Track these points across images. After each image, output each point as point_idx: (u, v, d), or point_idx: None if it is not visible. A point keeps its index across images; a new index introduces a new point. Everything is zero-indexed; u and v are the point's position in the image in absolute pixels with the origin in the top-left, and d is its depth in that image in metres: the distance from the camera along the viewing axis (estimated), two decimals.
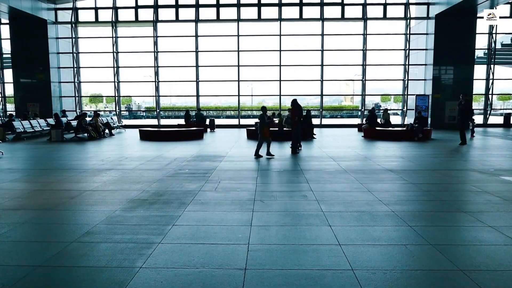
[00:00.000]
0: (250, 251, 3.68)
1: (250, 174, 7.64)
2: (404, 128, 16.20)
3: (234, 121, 24.24)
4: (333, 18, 21.69)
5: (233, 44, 21.96)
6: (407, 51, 21.74)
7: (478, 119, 18.99)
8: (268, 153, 10.06)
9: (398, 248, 3.76)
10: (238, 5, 21.60)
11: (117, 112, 23.09)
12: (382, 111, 20.49)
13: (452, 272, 3.23)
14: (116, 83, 22.57)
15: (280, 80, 22.17)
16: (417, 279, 3.13)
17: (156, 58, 22.30)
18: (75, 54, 22.51)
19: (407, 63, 21.87)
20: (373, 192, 6.02)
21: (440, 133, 16.94)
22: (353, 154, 10.60)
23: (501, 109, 31.89)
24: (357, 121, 24.53)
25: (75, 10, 22.08)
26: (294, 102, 11.52)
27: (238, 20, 21.72)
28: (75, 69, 22.61)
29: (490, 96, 21.72)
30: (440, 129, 18.85)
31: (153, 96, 23.14)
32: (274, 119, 16.90)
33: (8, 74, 22.52)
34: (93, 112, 21.31)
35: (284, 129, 15.42)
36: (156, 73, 22.40)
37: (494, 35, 21.10)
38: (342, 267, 3.32)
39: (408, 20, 21.57)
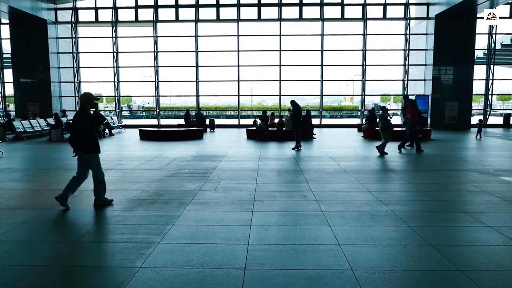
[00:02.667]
0: (250, 251, 3.68)
1: (250, 174, 7.64)
2: (404, 129, 16.18)
3: (234, 121, 24.24)
4: (333, 18, 21.69)
5: (233, 44, 21.97)
6: (407, 51, 21.75)
7: (477, 119, 18.95)
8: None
9: (397, 248, 3.76)
10: (238, 5, 21.60)
11: (117, 112, 23.09)
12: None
13: (451, 273, 3.23)
14: (116, 83, 22.57)
15: (280, 80, 22.18)
16: (416, 279, 3.13)
17: (156, 58, 22.30)
18: (75, 54, 22.51)
19: (407, 63, 21.87)
20: (373, 192, 6.02)
21: (440, 133, 16.94)
22: (352, 154, 10.60)
23: (500, 109, 31.91)
24: (356, 121, 24.54)
25: (75, 10, 22.07)
26: (293, 102, 11.76)
27: (238, 20, 21.72)
28: (75, 69, 22.61)
29: (489, 96, 21.72)
30: (439, 130, 18.85)
31: (153, 96, 23.15)
32: (275, 119, 16.91)
33: (8, 74, 22.52)
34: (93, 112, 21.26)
35: (284, 129, 15.44)
36: (156, 73, 22.39)
37: (494, 36, 21.11)
38: (342, 267, 3.32)
39: (408, 20, 21.57)
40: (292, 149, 11.80)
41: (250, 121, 20.54)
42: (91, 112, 5.42)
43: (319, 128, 20.45)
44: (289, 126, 15.64)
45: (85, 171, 5.23)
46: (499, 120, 22.74)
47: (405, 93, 22.09)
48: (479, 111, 23.66)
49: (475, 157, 10.31)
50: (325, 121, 23.22)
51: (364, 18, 21.59)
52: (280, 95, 22.57)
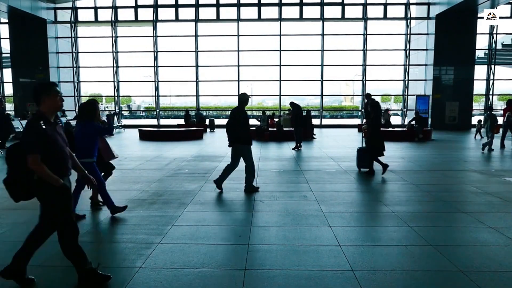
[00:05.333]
0: (250, 252, 3.67)
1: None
2: (404, 129, 16.19)
3: None
4: (333, 18, 21.69)
5: (233, 44, 21.96)
6: (408, 51, 21.74)
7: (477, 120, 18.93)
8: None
9: (398, 248, 3.75)
10: (238, 5, 21.58)
11: (117, 112, 23.07)
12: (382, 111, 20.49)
13: (452, 273, 3.22)
14: (115, 83, 22.56)
15: (280, 80, 22.16)
16: (417, 279, 3.12)
17: (155, 58, 22.28)
18: (74, 54, 22.49)
19: (407, 63, 21.86)
20: (373, 193, 6.01)
21: (440, 134, 16.93)
22: (353, 155, 10.56)
23: (501, 109, 31.88)
24: (357, 121, 24.52)
25: (74, 9, 22.05)
26: (292, 104, 11.89)
27: (238, 20, 21.71)
28: (75, 68, 22.59)
29: (490, 96, 21.70)
30: (440, 130, 18.83)
31: (152, 96, 23.13)
32: (274, 119, 16.92)
33: (7, 74, 22.50)
34: None
35: (284, 129, 15.45)
36: (156, 73, 22.38)
37: (494, 36, 21.09)
38: (342, 267, 3.31)
39: (409, 20, 21.56)
40: (292, 149, 11.79)
41: (250, 121, 20.51)
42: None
43: (319, 128, 20.44)
44: (287, 124, 15.65)
45: (237, 160, 6.03)
46: (500, 120, 22.68)
47: (406, 93, 22.08)
48: (480, 111, 23.64)
49: (475, 158, 10.30)
50: (325, 121, 23.21)
51: (365, 18, 21.58)
52: (280, 95, 22.56)
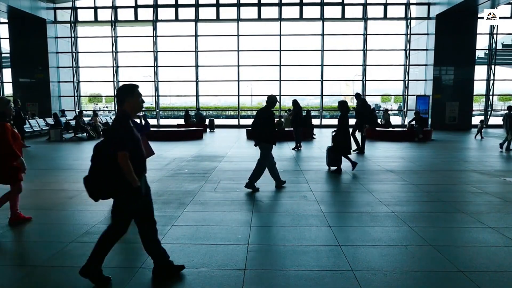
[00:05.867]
0: (250, 252, 3.66)
1: (249, 174, 7.61)
2: (404, 129, 16.19)
3: (234, 121, 24.22)
4: (333, 18, 21.68)
5: (233, 44, 21.94)
6: (408, 51, 21.73)
7: (478, 120, 18.94)
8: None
9: (398, 249, 3.75)
10: (238, 5, 21.58)
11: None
12: (382, 111, 20.50)
13: (452, 273, 3.21)
14: (115, 83, 22.55)
15: (280, 80, 22.16)
16: (417, 280, 3.12)
17: (155, 58, 22.28)
18: (74, 54, 22.47)
19: (407, 63, 21.86)
20: (373, 193, 6.00)
21: (441, 134, 16.92)
22: (353, 155, 10.56)
23: (501, 109, 31.85)
24: None
25: (74, 9, 22.04)
26: (295, 102, 11.81)
27: (238, 20, 21.70)
28: (74, 68, 22.58)
29: (490, 97, 21.69)
30: (440, 130, 18.83)
31: (152, 96, 23.12)
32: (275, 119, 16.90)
33: (7, 74, 22.49)
34: (92, 112, 21.29)
35: (285, 129, 15.44)
36: (156, 73, 22.37)
37: (495, 36, 21.08)
38: (342, 268, 3.30)
39: (409, 20, 21.56)
40: (292, 149, 11.78)
41: (250, 121, 20.50)
42: None
43: (319, 129, 20.44)
44: (287, 124, 15.63)
45: (264, 158, 6.26)
46: (500, 121, 22.69)
47: (406, 93, 22.08)
48: (480, 111, 23.63)
49: (476, 158, 10.30)
50: (325, 121, 23.19)
51: (365, 18, 21.58)
52: (280, 95, 22.53)
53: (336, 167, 7.84)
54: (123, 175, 2.79)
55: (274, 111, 6.61)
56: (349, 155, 7.98)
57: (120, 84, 22.61)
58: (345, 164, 8.01)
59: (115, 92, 3.01)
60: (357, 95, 11.03)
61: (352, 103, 35.57)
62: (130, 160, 2.79)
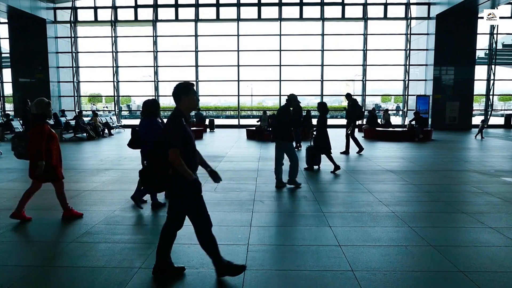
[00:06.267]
0: (250, 252, 3.66)
1: (249, 175, 7.62)
2: (405, 129, 16.18)
3: (234, 121, 24.20)
4: (333, 18, 21.66)
5: (233, 44, 21.93)
6: (408, 51, 21.72)
7: (478, 120, 18.93)
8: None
9: (398, 249, 3.74)
10: (238, 5, 21.57)
11: (116, 112, 23.06)
12: (382, 111, 20.48)
13: (452, 273, 3.21)
14: (115, 83, 22.54)
15: (280, 80, 22.15)
16: (417, 280, 3.12)
17: (155, 58, 22.27)
18: (74, 54, 22.46)
19: (407, 63, 21.84)
20: (373, 193, 6.00)
21: (441, 134, 16.91)
22: (353, 155, 10.57)
23: (502, 109, 31.85)
24: (357, 121, 24.47)
25: (74, 9, 22.03)
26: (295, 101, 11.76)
27: (238, 19, 21.69)
28: (74, 68, 22.57)
29: (491, 96, 21.69)
30: (440, 130, 18.82)
31: (152, 96, 23.10)
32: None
33: (7, 74, 22.48)
34: (92, 112, 21.28)
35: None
36: (156, 73, 22.37)
37: (495, 36, 21.06)
38: (342, 268, 3.30)
39: (409, 20, 21.54)
40: None
41: (250, 121, 20.53)
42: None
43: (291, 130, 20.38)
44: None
45: (281, 155, 6.40)
46: (501, 121, 22.71)
47: (406, 93, 22.07)
48: (480, 111, 23.61)
49: (476, 158, 10.29)
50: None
51: (365, 18, 21.56)
52: (280, 95, 22.53)
53: (318, 166, 8.19)
54: (177, 170, 2.88)
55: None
56: (331, 156, 8.06)
57: (120, 84, 22.70)
58: (340, 164, 7.99)
59: (172, 90, 3.06)
60: (348, 95, 10.93)
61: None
62: (182, 156, 2.87)
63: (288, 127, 6.38)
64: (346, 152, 10.60)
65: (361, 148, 10.67)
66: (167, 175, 2.95)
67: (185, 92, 3.01)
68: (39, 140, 4.38)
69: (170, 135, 2.88)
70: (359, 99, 24.36)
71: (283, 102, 6.86)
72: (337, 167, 7.80)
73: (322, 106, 8.15)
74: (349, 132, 10.65)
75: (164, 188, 3.12)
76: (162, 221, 4.62)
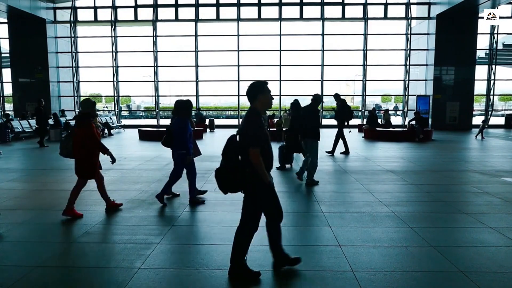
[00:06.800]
0: (250, 252, 3.64)
1: None
2: (405, 129, 16.17)
3: (234, 121, 24.20)
4: (333, 18, 21.65)
5: (233, 44, 21.92)
6: (408, 51, 21.71)
7: (478, 120, 18.93)
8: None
9: (398, 249, 3.74)
10: (238, 5, 21.56)
11: (116, 112, 23.05)
12: (382, 111, 20.48)
13: (452, 274, 3.20)
14: (115, 83, 22.53)
15: (280, 80, 22.14)
16: (417, 280, 3.11)
17: (155, 58, 22.26)
18: (74, 54, 22.45)
19: (408, 63, 21.83)
20: (374, 193, 5.99)
21: (441, 134, 16.91)
22: (353, 155, 10.57)
23: (502, 110, 31.83)
24: (357, 121, 24.49)
25: (74, 9, 22.02)
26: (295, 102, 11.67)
27: (238, 19, 21.68)
28: (74, 68, 22.56)
29: (491, 96, 21.68)
30: (440, 130, 18.81)
31: (152, 96, 23.10)
32: (274, 120, 16.90)
33: (7, 74, 22.47)
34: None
35: (284, 129, 15.41)
36: (156, 73, 22.36)
37: (495, 36, 21.05)
38: (342, 268, 3.29)
39: (409, 20, 21.53)
40: None
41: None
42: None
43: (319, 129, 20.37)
44: (287, 124, 15.59)
45: (314, 154, 6.76)
46: (501, 121, 22.70)
47: (406, 93, 22.06)
48: (481, 111, 23.60)
49: (476, 158, 10.28)
50: (325, 122, 23.17)
51: (365, 18, 21.56)
52: (280, 95, 22.53)
53: (290, 165, 8.51)
54: (255, 170, 2.87)
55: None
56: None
57: (120, 84, 22.70)
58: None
59: (247, 90, 3.08)
60: (336, 96, 10.67)
61: (352, 102, 35.55)
62: (261, 156, 2.87)
63: (316, 126, 6.73)
64: (346, 152, 10.58)
65: (347, 151, 10.56)
66: (244, 175, 2.93)
67: (261, 91, 3.02)
68: (94, 135, 4.72)
69: (251, 134, 2.87)
70: (359, 99, 24.42)
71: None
72: (299, 175, 7.15)
73: (295, 106, 8.03)
74: (342, 132, 10.58)
75: (240, 188, 3.06)
76: (162, 221, 4.63)
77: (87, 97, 4.82)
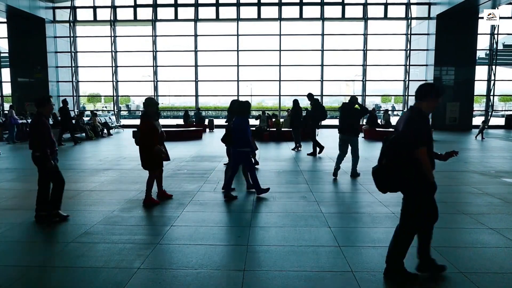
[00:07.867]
0: (249, 252, 3.64)
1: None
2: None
3: None
4: (333, 18, 21.65)
5: (233, 44, 21.91)
6: (408, 51, 21.72)
7: (479, 120, 18.92)
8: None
9: None
10: (238, 5, 21.56)
11: (115, 112, 23.03)
12: (382, 111, 20.48)
13: (452, 275, 3.20)
14: (114, 83, 22.52)
15: (280, 80, 22.14)
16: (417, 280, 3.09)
17: (154, 58, 22.25)
18: (73, 53, 22.43)
19: (408, 63, 21.84)
20: (373, 194, 5.98)
21: (441, 134, 16.90)
22: (350, 154, 10.54)
23: (502, 110, 31.84)
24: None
25: (73, 9, 22.00)
26: (296, 102, 11.67)
27: (238, 19, 21.67)
28: (73, 68, 22.54)
29: (491, 97, 21.68)
30: (441, 130, 18.80)
31: (151, 96, 23.10)
32: (273, 120, 16.88)
33: (6, 73, 22.43)
34: (90, 112, 21.24)
35: (283, 129, 15.42)
36: (155, 73, 22.35)
37: (495, 36, 21.05)
38: (342, 268, 3.29)
39: (409, 20, 21.54)
40: (292, 149, 11.76)
41: (250, 122, 20.42)
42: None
43: (319, 129, 20.37)
44: (287, 125, 15.59)
45: (345, 148, 7.22)
46: (501, 121, 22.70)
47: (406, 93, 22.06)
48: (481, 112, 23.59)
49: (476, 159, 10.28)
50: (325, 122, 23.13)
51: (365, 18, 21.56)
52: (280, 95, 22.54)
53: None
54: (420, 169, 2.88)
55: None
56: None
57: (119, 83, 22.66)
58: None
59: (420, 88, 3.08)
60: (309, 95, 10.47)
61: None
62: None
63: (352, 124, 7.10)
64: (313, 153, 10.40)
65: (314, 153, 10.40)
66: (407, 174, 2.94)
67: (435, 93, 3.00)
68: (151, 133, 5.23)
69: (419, 133, 2.89)
70: (359, 99, 24.37)
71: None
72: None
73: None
74: (317, 134, 10.63)
75: (400, 188, 3.04)
76: (161, 221, 4.62)
77: (150, 96, 5.56)
